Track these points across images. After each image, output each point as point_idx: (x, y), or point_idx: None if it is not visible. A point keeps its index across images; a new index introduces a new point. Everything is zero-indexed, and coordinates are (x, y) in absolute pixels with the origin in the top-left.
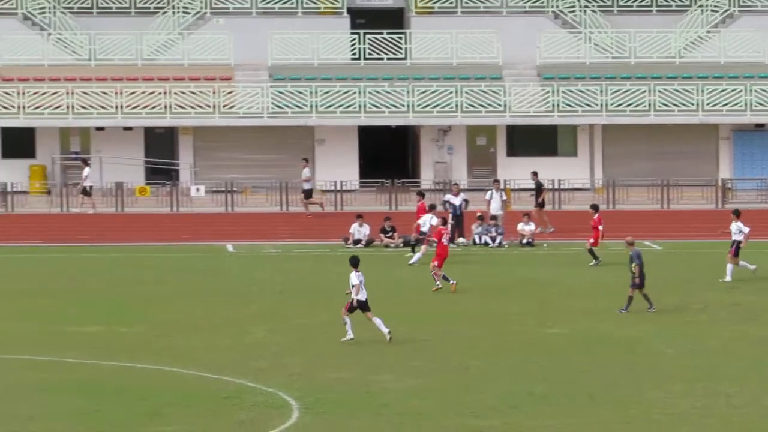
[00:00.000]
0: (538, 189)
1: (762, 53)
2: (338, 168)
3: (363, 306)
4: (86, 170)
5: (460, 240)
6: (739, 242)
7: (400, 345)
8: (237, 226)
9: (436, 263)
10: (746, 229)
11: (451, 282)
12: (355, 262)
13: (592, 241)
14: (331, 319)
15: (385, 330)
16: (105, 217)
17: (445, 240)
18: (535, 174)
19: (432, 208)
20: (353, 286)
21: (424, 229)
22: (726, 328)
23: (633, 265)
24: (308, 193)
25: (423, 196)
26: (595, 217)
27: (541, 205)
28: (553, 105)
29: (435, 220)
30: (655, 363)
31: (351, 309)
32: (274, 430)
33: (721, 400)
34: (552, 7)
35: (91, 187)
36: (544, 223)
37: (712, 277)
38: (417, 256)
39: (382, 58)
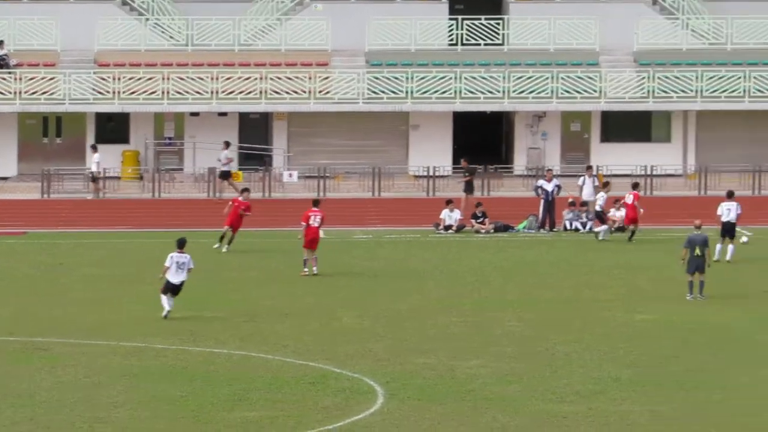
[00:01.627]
0: (466, 175)
1: None
2: (432, 154)
3: (175, 289)
4: (95, 156)
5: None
6: None
7: (487, 330)
8: (328, 211)
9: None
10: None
11: (305, 270)
12: (180, 244)
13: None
14: (420, 305)
15: (166, 309)
16: (196, 202)
17: (313, 222)
18: (466, 161)
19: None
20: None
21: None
22: None
23: (699, 248)
24: (225, 175)
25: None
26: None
27: (467, 191)
28: (649, 91)
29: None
30: (744, 349)
31: (164, 290)
32: (358, 415)
33: None
34: None
35: (99, 172)
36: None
37: None
38: (603, 229)
39: (479, 44)
